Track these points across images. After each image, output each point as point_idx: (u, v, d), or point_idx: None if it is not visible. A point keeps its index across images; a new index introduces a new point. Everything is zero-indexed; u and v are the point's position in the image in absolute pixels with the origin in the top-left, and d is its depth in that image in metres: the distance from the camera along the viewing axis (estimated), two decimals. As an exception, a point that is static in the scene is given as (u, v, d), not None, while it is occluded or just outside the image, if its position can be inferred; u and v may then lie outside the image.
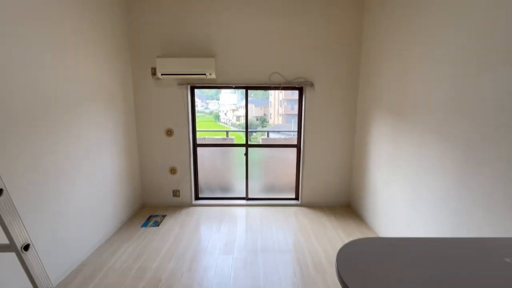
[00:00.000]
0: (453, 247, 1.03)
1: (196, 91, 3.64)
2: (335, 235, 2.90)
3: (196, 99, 3.67)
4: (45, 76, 2.01)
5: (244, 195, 3.83)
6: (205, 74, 3.15)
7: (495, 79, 1.54)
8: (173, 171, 3.62)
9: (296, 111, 3.66)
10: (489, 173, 1.58)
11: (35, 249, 1.16)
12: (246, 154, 3.70)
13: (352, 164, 3.64)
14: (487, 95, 1.59)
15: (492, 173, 1.55)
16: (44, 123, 1.99)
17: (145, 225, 3.12)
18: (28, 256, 1.12)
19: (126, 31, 3.21)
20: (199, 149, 3.73)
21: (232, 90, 3.53)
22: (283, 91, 6.04)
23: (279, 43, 3.33)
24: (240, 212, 3.50)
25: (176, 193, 3.67)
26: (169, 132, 3.52)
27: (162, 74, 3.16)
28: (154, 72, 3.33)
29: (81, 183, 2.41)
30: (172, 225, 3.13)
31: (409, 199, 2.35)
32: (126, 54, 3.23)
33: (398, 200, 2.54)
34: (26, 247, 1.11)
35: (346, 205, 3.72)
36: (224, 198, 3.85)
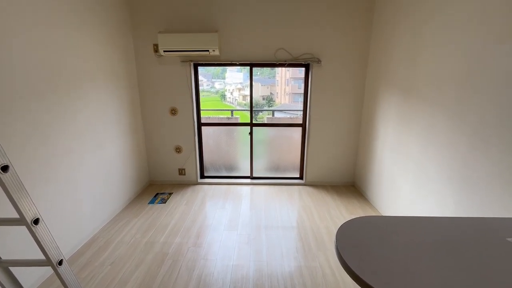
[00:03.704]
0: (454, 227, 1.02)
1: (201, 69, 3.57)
2: (337, 213, 2.94)
3: (201, 78, 3.61)
4: (48, 52, 1.98)
5: (248, 174, 3.87)
6: (208, 51, 3.06)
7: (506, 53, 1.44)
8: (178, 150, 3.65)
9: (303, 90, 3.58)
10: (496, 153, 1.53)
11: (44, 223, 1.21)
12: (251, 133, 3.68)
13: (358, 144, 3.59)
14: (502, 70, 1.50)
15: (499, 153, 1.51)
16: (49, 99, 1.99)
17: (152, 202, 3.22)
18: (38, 229, 1.16)
19: (126, 5, 3.10)
20: (203, 128, 3.73)
21: (238, 68, 3.44)
22: (290, 70, 5.88)
23: (285, 17, 3.17)
24: (245, 191, 3.56)
25: (181, 171, 3.73)
26: (174, 111, 3.50)
27: (164, 51, 3.08)
28: (156, 49, 3.25)
29: (88, 159, 2.45)
30: (178, 202, 3.22)
31: (414, 179, 2.33)
32: (127, 30, 3.15)
33: (402, 179, 2.52)
34: (36, 221, 1.15)
35: (351, 184, 3.73)
36: (229, 177, 3.90)
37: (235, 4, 3.14)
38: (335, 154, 3.64)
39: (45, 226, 1.20)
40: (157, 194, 3.44)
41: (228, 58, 3.30)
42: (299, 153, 3.78)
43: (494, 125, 1.55)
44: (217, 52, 3.11)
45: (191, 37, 3.02)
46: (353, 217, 1.12)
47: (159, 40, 3.03)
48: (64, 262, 1.27)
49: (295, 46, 3.26)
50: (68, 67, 2.20)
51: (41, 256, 1.22)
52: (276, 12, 3.16)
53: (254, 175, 3.87)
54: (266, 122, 4.15)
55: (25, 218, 1.11)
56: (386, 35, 2.83)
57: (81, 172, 2.37)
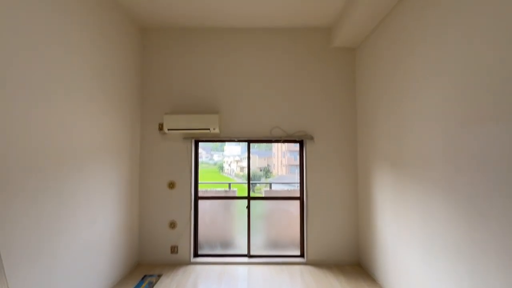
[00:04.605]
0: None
1: (201, 143, 3.78)
2: (345, 299, 2.64)
3: (201, 151, 3.79)
4: (53, 127, 2.08)
5: (246, 252, 3.62)
6: (209, 129, 3.32)
7: (481, 133, 1.60)
8: (172, 225, 3.51)
9: (298, 162, 3.71)
10: (497, 227, 1.51)
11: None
12: (248, 207, 3.62)
13: (358, 218, 3.51)
14: (476, 148, 1.63)
15: (500, 227, 1.49)
16: (54, 178, 2.03)
17: (138, 286, 2.90)
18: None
19: (138, 92, 3.51)
20: (200, 202, 3.68)
21: (236, 142, 3.66)
22: (286, 143, 6.19)
23: (279, 99, 3.57)
24: (242, 271, 3.26)
25: (174, 249, 3.49)
26: (172, 185, 3.53)
27: (168, 129, 3.33)
28: (161, 128, 3.51)
29: (76, 238, 2.32)
30: (168, 286, 2.90)
31: (421, 256, 2.20)
32: (137, 112, 3.47)
33: (408, 257, 2.37)
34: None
35: (356, 263, 3.46)
36: (225, 255, 3.63)
37: (235, 88, 3.58)
38: (336, 229, 3.50)
39: (17, 320, 1.08)
40: (145, 276, 3.13)
41: (228, 135, 3.55)
42: (299, 228, 3.64)
43: (484, 200, 1.59)
44: (217, 130, 3.36)
45: (194, 118, 3.32)
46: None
47: (165, 121, 3.32)
48: None
49: (289, 125, 3.55)
50: (72, 143, 2.28)
51: None
52: (271, 96, 3.57)
53: (252, 252, 3.61)
54: (263, 196, 4.14)
55: (-2, 311, 1.01)
56: (369, 113, 3.14)
57: (67, 250, 2.20)
